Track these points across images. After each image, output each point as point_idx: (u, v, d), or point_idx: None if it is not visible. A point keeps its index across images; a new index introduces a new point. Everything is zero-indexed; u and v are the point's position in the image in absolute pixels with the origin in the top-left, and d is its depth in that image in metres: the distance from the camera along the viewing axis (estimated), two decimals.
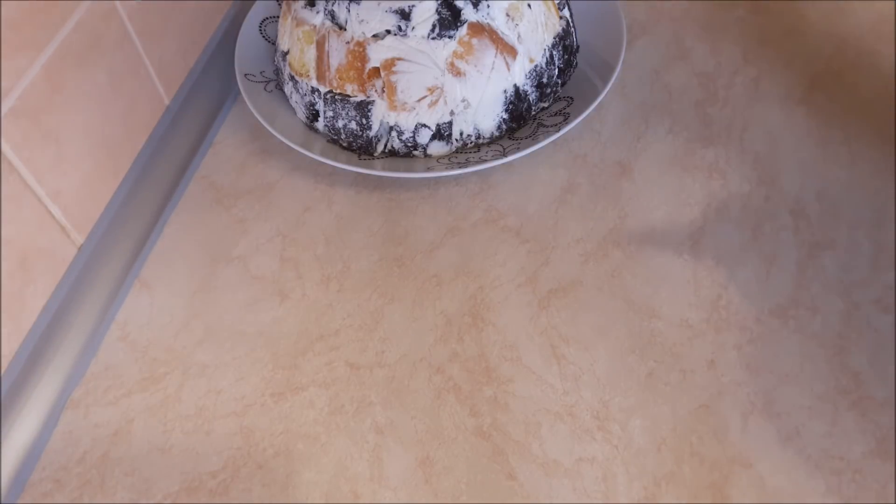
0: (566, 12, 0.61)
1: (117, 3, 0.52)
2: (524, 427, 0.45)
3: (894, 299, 0.48)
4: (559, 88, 0.61)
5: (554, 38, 0.58)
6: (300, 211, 0.56)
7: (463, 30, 0.53)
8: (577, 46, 0.63)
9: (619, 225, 0.54)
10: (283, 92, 0.62)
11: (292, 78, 0.59)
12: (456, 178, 0.57)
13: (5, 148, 0.43)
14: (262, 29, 0.67)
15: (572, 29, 0.62)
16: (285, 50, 0.59)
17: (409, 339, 0.49)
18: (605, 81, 0.59)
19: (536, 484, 0.43)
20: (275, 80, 0.63)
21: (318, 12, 0.56)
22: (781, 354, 0.46)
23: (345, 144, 0.58)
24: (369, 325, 0.50)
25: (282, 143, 0.60)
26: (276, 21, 0.66)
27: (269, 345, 0.49)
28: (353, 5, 0.53)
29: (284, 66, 0.60)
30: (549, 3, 0.58)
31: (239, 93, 0.65)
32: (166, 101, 0.60)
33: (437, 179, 0.57)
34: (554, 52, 0.58)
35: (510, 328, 0.49)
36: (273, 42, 0.66)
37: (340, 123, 0.57)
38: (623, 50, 0.60)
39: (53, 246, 0.49)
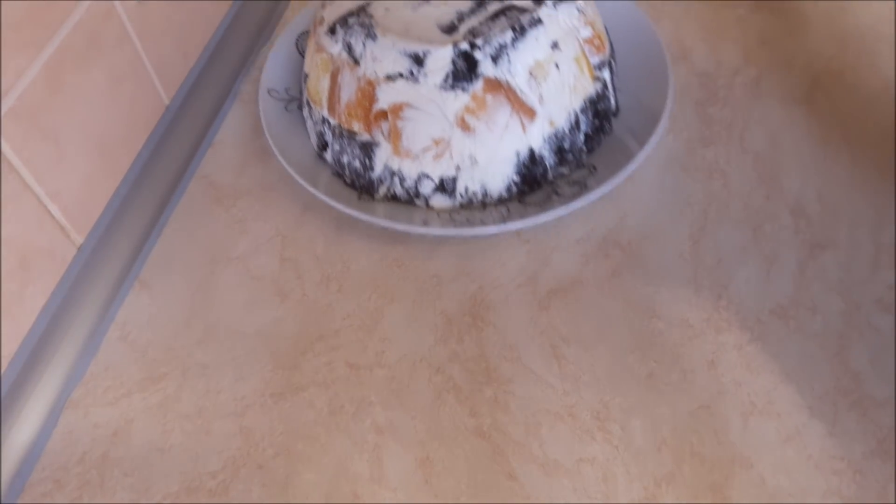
0: (604, 73, 0.55)
1: (117, 3, 0.52)
2: (524, 427, 0.45)
3: (894, 299, 0.48)
4: (584, 156, 0.55)
5: (584, 101, 0.53)
6: (300, 211, 0.56)
7: (478, 84, 0.50)
8: (617, 109, 0.57)
9: (619, 225, 0.54)
10: (303, 114, 0.60)
11: (308, 103, 0.57)
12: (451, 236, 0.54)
13: (5, 148, 0.43)
14: (299, 43, 0.64)
15: (609, 92, 0.56)
16: (307, 73, 0.57)
17: (409, 339, 0.49)
18: (641, 145, 0.53)
19: (536, 484, 0.43)
20: (297, 100, 0.61)
21: (336, 42, 0.53)
22: (781, 354, 0.46)
23: (348, 181, 0.55)
24: (369, 325, 0.50)
25: None
26: None
27: (269, 345, 0.49)
28: (368, 41, 0.51)
29: (304, 88, 0.58)
30: (583, 62, 0.53)
31: (240, 92, 0.65)
32: (166, 101, 0.60)
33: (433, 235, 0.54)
34: (581, 117, 0.53)
35: (510, 328, 0.49)
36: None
37: (345, 159, 0.55)
38: (662, 122, 0.54)
39: (53, 246, 0.49)
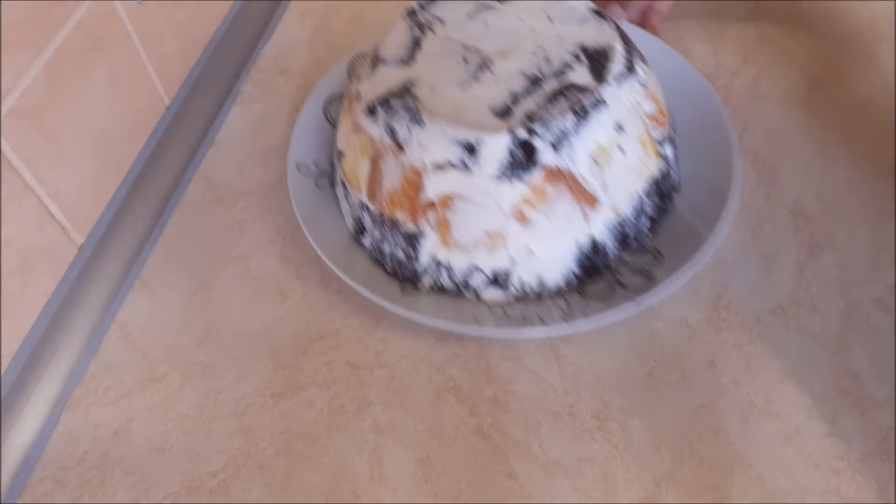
0: (667, 148, 0.50)
1: (117, 3, 0.52)
2: (524, 427, 0.45)
3: (894, 299, 0.48)
4: (647, 240, 0.50)
5: (648, 183, 0.48)
6: None
7: (537, 173, 0.45)
8: (678, 184, 0.52)
9: None
10: (335, 191, 0.55)
11: (343, 184, 0.52)
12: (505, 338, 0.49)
13: (5, 148, 0.43)
14: (327, 109, 0.59)
15: (672, 168, 0.51)
16: (341, 150, 0.52)
17: (410, 339, 0.49)
18: (709, 228, 0.48)
19: (536, 484, 0.43)
20: (328, 175, 0.56)
21: (377, 124, 0.48)
22: (781, 354, 0.46)
23: (388, 269, 0.50)
24: (369, 325, 0.50)
25: (282, 143, 0.60)
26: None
27: (269, 345, 0.49)
28: (414, 126, 0.46)
29: (339, 166, 0.53)
30: (648, 142, 0.48)
31: (240, 92, 0.65)
32: (166, 101, 0.60)
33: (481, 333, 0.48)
34: (646, 200, 0.48)
35: None
36: (336, 126, 0.57)
37: (386, 248, 0.49)
38: (731, 203, 0.49)
39: (53, 246, 0.49)
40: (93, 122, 0.51)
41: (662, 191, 0.50)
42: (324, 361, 0.48)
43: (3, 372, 0.45)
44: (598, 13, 0.51)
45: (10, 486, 0.44)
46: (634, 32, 0.58)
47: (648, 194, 0.48)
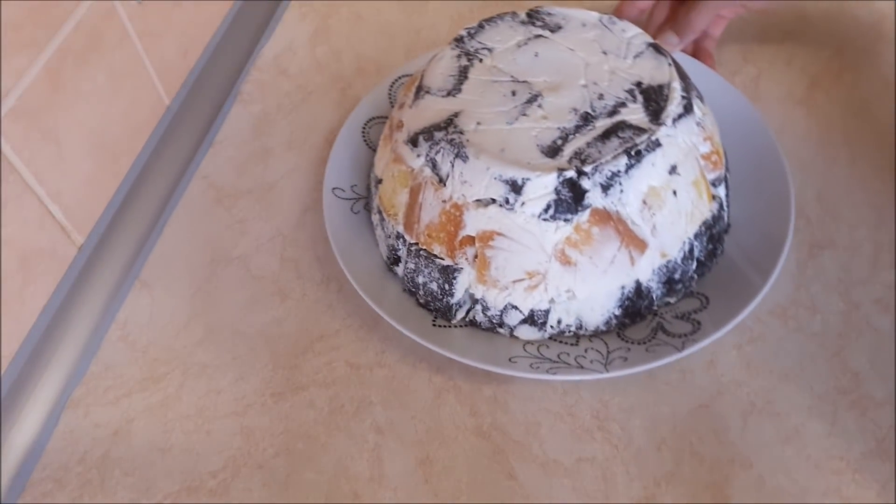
0: (720, 189, 0.48)
1: (117, 3, 0.52)
2: (524, 427, 0.45)
3: (894, 299, 0.48)
4: (693, 283, 0.48)
5: (699, 226, 0.46)
6: (301, 211, 0.56)
7: (584, 215, 0.43)
8: (728, 226, 0.50)
9: None
10: (371, 217, 0.53)
11: (380, 211, 0.50)
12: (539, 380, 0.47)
13: (5, 148, 0.43)
14: (366, 131, 0.57)
15: (724, 211, 0.49)
16: (379, 177, 0.51)
17: (410, 339, 0.49)
18: (763, 276, 0.46)
19: (536, 484, 0.43)
20: (365, 199, 0.54)
21: (418, 155, 0.46)
22: (781, 354, 0.46)
23: (421, 301, 0.49)
24: (369, 325, 0.50)
25: (281, 143, 0.60)
26: (383, 123, 0.57)
27: (269, 345, 0.49)
28: (458, 161, 0.44)
29: (375, 193, 0.51)
30: (702, 185, 0.46)
31: (240, 92, 0.65)
32: (166, 101, 0.60)
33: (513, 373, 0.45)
34: (695, 243, 0.46)
35: None
36: (375, 149, 0.55)
37: (420, 280, 0.48)
38: (788, 238, 0.47)
39: (53, 246, 0.49)
40: (93, 122, 0.51)
41: (713, 233, 0.48)
42: (324, 361, 0.48)
43: (3, 372, 0.45)
44: (655, 46, 0.49)
45: (10, 486, 0.44)
46: (686, 63, 0.55)
47: (698, 237, 0.46)
